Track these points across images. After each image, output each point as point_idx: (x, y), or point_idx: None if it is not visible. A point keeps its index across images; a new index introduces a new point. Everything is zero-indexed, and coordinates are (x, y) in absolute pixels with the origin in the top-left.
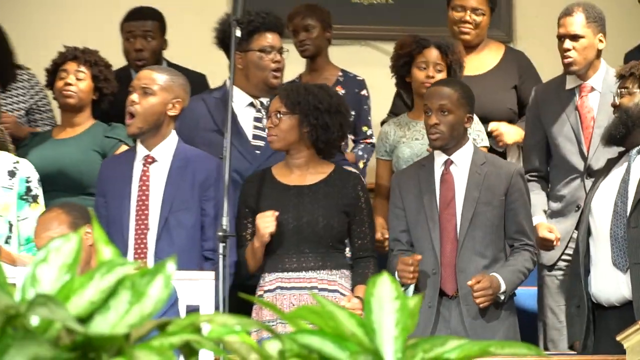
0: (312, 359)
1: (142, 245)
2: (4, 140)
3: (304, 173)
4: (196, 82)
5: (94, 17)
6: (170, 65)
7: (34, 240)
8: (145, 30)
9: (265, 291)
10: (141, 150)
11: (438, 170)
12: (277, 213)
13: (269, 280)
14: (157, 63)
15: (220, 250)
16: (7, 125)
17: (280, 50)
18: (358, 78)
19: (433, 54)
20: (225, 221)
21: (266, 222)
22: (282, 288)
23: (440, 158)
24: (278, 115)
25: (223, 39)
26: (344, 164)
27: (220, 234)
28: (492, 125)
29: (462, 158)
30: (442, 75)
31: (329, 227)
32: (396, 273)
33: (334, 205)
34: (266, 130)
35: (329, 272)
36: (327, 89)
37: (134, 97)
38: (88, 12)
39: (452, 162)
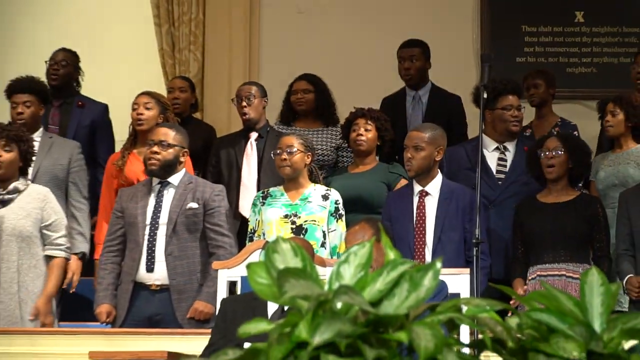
0: (541, 329)
1: (421, 257)
2: (317, 175)
3: (560, 195)
4: None
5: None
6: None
7: (337, 248)
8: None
9: (529, 280)
10: (417, 187)
11: None
12: None
13: (531, 271)
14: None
15: (474, 253)
16: None
17: (518, 107)
18: (572, 123)
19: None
20: (477, 232)
21: None
22: (540, 276)
23: None
24: (558, 152)
25: (476, 100)
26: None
27: (474, 241)
28: None
29: None
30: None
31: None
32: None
33: (580, 217)
34: (508, 166)
35: (575, 264)
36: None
37: (409, 153)
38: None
39: None
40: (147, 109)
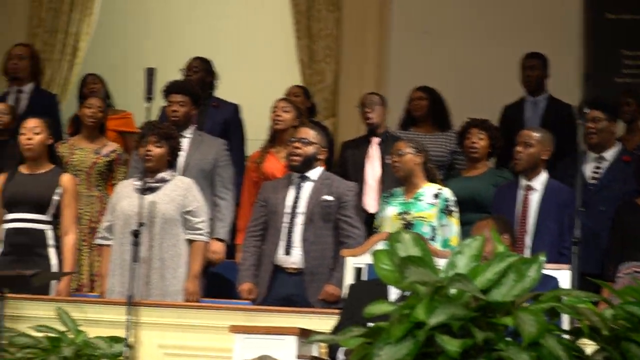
0: (633, 320)
1: (520, 244)
2: (434, 175)
3: None
4: None
5: None
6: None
7: (449, 241)
8: None
9: (624, 274)
10: (523, 181)
11: None
12: None
13: (626, 267)
14: None
15: (574, 251)
16: None
17: (593, 119)
18: None
19: None
20: (577, 232)
21: None
22: (636, 272)
23: None
24: None
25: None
26: None
27: (574, 239)
28: None
29: None
30: None
31: None
32: None
33: None
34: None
35: None
36: None
37: (519, 148)
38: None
39: None
40: (285, 112)
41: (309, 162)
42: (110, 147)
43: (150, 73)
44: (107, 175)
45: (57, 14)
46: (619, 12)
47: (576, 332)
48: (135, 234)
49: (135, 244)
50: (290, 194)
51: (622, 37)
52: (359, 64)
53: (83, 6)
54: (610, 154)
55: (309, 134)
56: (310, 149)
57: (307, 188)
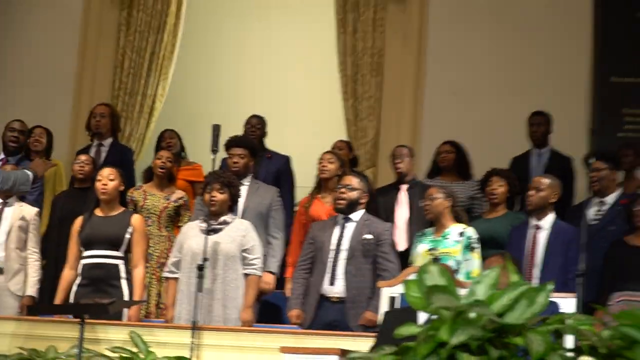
0: (627, 340)
1: (529, 275)
2: (461, 216)
3: None
4: None
5: None
6: None
7: (471, 273)
8: None
9: (615, 302)
10: (533, 221)
11: None
12: None
13: (616, 296)
14: None
15: (578, 282)
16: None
17: (596, 169)
18: None
19: None
20: (582, 266)
21: None
22: (626, 301)
23: None
24: None
25: (585, 163)
26: None
27: (578, 272)
28: None
29: None
30: None
31: None
32: None
33: None
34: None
35: None
36: None
37: (531, 192)
38: None
39: None
40: (330, 162)
41: (352, 206)
42: (179, 194)
43: (216, 129)
44: (175, 219)
45: (136, 78)
46: (622, 75)
47: (578, 350)
48: (200, 268)
49: (200, 277)
50: (336, 233)
51: (624, 97)
52: (396, 122)
53: (159, 71)
54: (610, 198)
55: (353, 181)
56: (353, 194)
57: (350, 228)
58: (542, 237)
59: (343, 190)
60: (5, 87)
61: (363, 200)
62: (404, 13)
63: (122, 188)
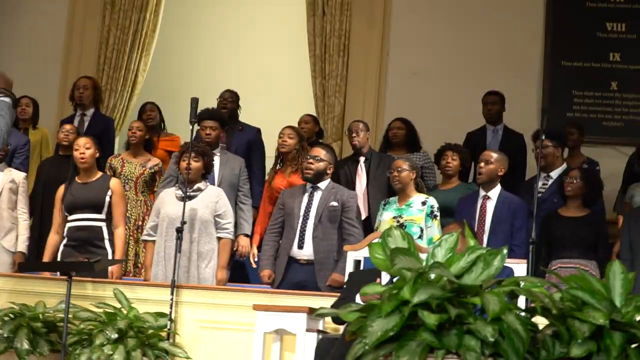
0: (577, 302)
1: (479, 241)
2: (422, 187)
3: (575, 211)
4: None
5: None
6: None
7: (433, 239)
8: None
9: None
10: (482, 192)
11: None
12: None
13: (554, 264)
14: None
15: (531, 249)
16: None
17: (544, 147)
18: (595, 161)
19: None
20: (533, 234)
21: None
22: (561, 267)
23: None
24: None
25: (534, 139)
26: None
27: (530, 240)
28: None
29: None
30: None
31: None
32: None
33: (590, 228)
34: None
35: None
36: None
37: (481, 164)
38: None
39: None
40: (290, 137)
41: (319, 175)
42: (154, 162)
43: (194, 102)
44: (151, 184)
45: (120, 53)
46: (572, 60)
47: (531, 311)
48: (179, 231)
49: (179, 239)
50: (304, 200)
51: (573, 80)
52: (361, 99)
53: (141, 47)
54: (555, 173)
55: (320, 152)
56: (320, 165)
57: (317, 196)
58: (491, 207)
59: (311, 161)
60: None
61: (329, 171)
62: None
63: (97, 155)
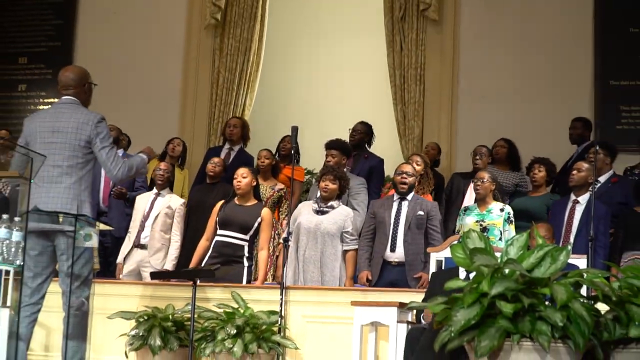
0: (633, 289)
1: (566, 241)
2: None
3: None
4: None
5: None
6: None
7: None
8: None
9: (628, 260)
10: (572, 196)
11: None
12: None
13: (630, 254)
14: None
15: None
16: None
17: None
18: None
19: None
20: (591, 232)
21: None
22: (636, 259)
23: None
24: None
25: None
26: None
27: (589, 237)
28: None
29: None
30: None
31: None
32: None
33: None
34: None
35: None
36: None
37: (574, 172)
38: None
39: None
40: (417, 164)
41: (411, 189)
42: (280, 186)
43: (294, 130)
44: (278, 204)
45: (229, 91)
46: (618, 79)
47: (593, 298)
48: (286, 240)
49: (286, 247)
50: (394, 209)
51: (622, 97)
52: (437, 122)
53: (247, 86)
54: (603, 177)
55: (410, 169)
56: (412, 179)
57: (405, 206)
58: (579, 211)
59: (405, 176)
60: (118, 103)
61: (415, 185)
62: (440, 34)
63: (254, 184)
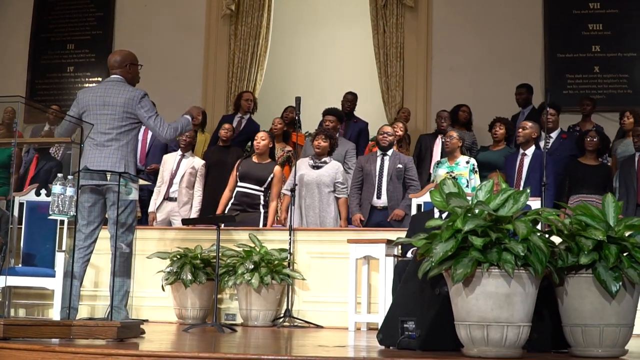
0: (582, 224)
1: (518, 186)
2: (464, 151)
3: (592, 161)
4: None
5: None
6: None
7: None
8: None
9: (575, 201)
10: (521, 150)
11: None
12: None
13: (576, 197)
14: None
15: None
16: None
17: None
18: (600, 125)
19: None
20: (544, 179)
21: None
22: (582, 200)
23: None
24: (594, 138)
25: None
26: None
27: (543, 183)
28: None
29: None
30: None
31: (599, 180)
32: None
33: (602, 173)
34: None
35: (597, 196)
36: None
37: (519, 131)
38: None
39: None
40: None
41: (390, 145)
42: (288, 148)
43: (298, 100)
44: (287, 162)
45: (243, 70)
46: (564, 52)
47: (549, 232)
48: (292, 190)
49: (292, 197)
50: (377, 163)
51: (566, 66)
52: (414, 91)
53: (257, 65)
54: (554, 134)
55: (390, 130)
56: (391, 138)
57: (387, 160)
58: (526, 162)
59: (385, 135)
60: (150, 81)
61: (394, 142)
62: (416, 19)
63: (270, 145)
